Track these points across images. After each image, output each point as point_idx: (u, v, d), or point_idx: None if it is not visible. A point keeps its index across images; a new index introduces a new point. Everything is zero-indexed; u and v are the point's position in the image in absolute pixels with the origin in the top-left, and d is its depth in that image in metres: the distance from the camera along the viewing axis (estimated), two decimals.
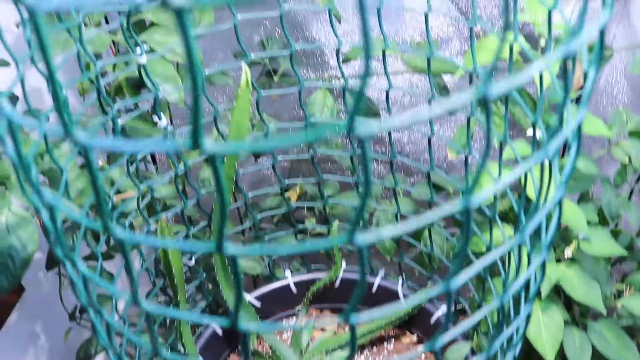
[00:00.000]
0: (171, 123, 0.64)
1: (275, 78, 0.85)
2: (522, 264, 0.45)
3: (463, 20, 1.02)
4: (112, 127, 0.57)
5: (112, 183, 0.66)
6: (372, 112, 0.82)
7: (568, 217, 0.64)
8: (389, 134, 0.73)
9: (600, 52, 0.29)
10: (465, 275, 0.28)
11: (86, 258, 0.70)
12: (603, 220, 0.72)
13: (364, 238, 0.22)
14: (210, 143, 0.20)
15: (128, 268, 0.27)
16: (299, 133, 0.21)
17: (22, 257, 0.55)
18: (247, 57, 0.66)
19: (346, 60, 0.78)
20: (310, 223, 0.87)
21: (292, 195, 0.88)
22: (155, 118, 0.61)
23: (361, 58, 0.76)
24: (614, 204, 0.69)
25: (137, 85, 0.64)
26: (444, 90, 0.79)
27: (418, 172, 1.14)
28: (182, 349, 0.75)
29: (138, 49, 0.56)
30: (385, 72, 0.67)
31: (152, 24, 0.69)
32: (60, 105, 0.20)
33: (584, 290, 0.65)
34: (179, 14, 0.17)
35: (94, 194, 0.22)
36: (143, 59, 0.56)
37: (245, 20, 0.98)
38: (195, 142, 0.20)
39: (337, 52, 0.67)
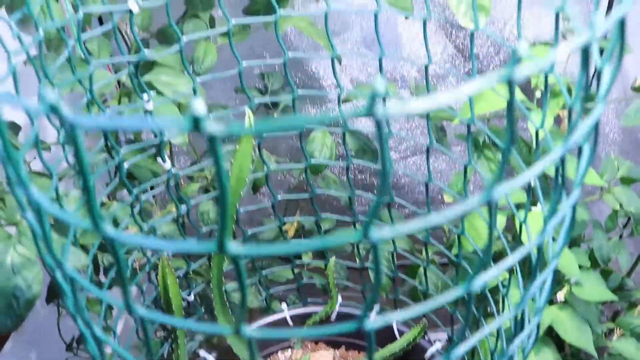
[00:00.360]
0: (172, 164, 0.65)
1: (276, 114, 0.87)
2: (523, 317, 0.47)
3: (459, 57, 1.04)
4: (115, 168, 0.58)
5: (116, 222, 0.67)
6: (371, 151, 0.84)
7: (561, 262, 0.66)
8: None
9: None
10: (465, 347, 0.30)
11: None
12: (594, 263, 0.74)
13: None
14: (234, 247, 0.21)
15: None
16: (314, 240, 0.22)
17: (27, 297, 0.56)
18: (252, 102, 0.67)
19: (346, 101, 0.80)
20: (307, 258, 0.88)
21: (290, 229, 0.89)
22: (160, 160, 0.62)
23: (360, 99, 0.78)
24: (605, 248, 0.71)
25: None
26: (440, 131, 0.81)
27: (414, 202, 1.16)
28: None
29: (145, 96, 0.57)
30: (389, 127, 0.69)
31: (157, 64, 0.71)
32: (94, 211, 0.21)
33: (576, 333, 0.66)
34: (212, 141, 0.19)
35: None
36: (150, 106, 0.58)
37: (246, 52, 1.00)
38: (221, 246, 0.21)
39: (339, 97, 0.69)
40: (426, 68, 0.61)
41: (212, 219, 0.85)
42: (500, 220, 0.66)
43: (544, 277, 0.36)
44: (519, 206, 0.68)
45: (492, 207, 0.24)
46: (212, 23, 0.81)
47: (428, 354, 0.82)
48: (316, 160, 0.75)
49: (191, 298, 0.77)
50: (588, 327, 0.67)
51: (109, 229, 0.23)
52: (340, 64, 1.03)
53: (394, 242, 0.80)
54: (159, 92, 0.67)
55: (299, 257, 0.87)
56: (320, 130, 0.81)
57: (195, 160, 0.91)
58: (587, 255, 0.71)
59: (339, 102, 0.70)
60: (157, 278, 0.68)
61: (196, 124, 0.19)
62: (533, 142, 0.65)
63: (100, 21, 0.80)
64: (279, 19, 0.76)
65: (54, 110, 0.20)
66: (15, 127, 0.71)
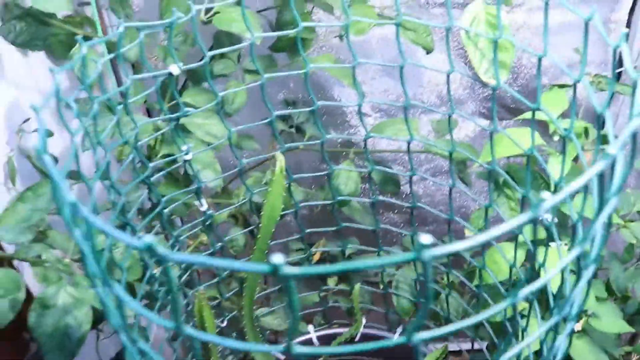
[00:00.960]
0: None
1: (301, 145, 0.90)
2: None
3: (477, 82, 1.07)
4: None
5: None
6: (393, 182, 0.87)
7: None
8: (411, 211, 0.77)
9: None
10: None
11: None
12: (610, 292, 0.76)
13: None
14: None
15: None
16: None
17: (77, 336, 0.60)
18: (274, 124, 0.69)
19: (368, 137, 0.83)
20: (332, 283, 0.92)
21: (315, 255, 0.93)
22: (197, 203, 0.66)
23: (384, 136, 0.81)
24: (622, 279, 0.74)
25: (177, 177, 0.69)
26: (462, 164, 0.84)
27: (433, 222, 1.19)
28: None
29: (184, 147, 0.61)
30: (409, 157, 0.71)
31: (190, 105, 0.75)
32: (177, 315, 0.25)
33: None
34: (286, 281, 0.22)
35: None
36: (189, 157, 0.62)
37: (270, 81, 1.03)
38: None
39: (365, 141, 0.71)
40: (449, 117, 0.63)
41: (240, 247, 0.89)
42: (520, 255, 0.69)
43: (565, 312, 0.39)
44: (536, 242, 0.71)
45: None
46: (239, 59, 0.84)
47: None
48: (342, 197, 0.78)
49: (224, 324, 0.81)
50: (605, 355, 0.70)
51: (188, 329, 0.27)
52: (359, 113, 1.07)
53: (415, 269, 0.84)
54: (190, 135, 0.71)
55: (324, 282, 0.91)
56: (345, 163, 0.84)
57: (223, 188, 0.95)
58: (604, 286, 0.73)
59: (365, 146, 0.72)
60: (193, 309, 0.72)
61: (275, 269, 0.22)
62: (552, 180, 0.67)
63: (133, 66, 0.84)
64: (306, 63, 0.80)
65: (150, 250, 0.24)
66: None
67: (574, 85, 0.51)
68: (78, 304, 0.61)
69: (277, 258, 0.24)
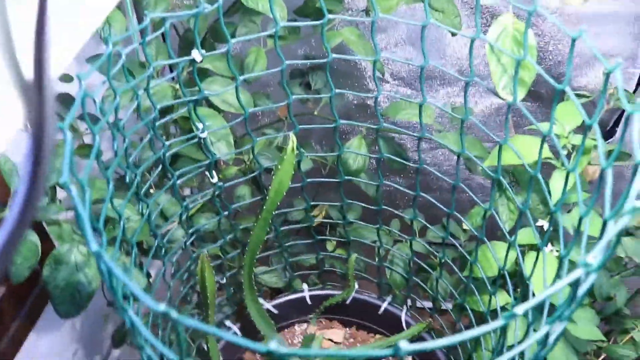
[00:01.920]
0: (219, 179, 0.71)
1: (316, 111, 0.91)
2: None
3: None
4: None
5: (163, 214, 0.74)
6: (401, 156, 0.88)
7: (557, 298, 0.72)
8: (416, 172, 0.77)
9: None
10: None
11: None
12: (592, 296, 0.80)
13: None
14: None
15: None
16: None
17: (87, 291, 0.65)
18: (290, 97, 0.70)
19: (384, 115, 0.84)
20: (330, 247, 0.95)
21: (318, 214, 0.96)
22: (208, 174, 0.68)
23: (397, 116, 0.81)
24: (606, 286, 0.77)
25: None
26: (469, 161, 0.85)
27: (437, 189, 1.21)
28: (205, 347, 0.86)
29: (200, 125, 0.63)
30: (421, 126, 0.72)
31: (210, 72, 0.75)
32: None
33: None
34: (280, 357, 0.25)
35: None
36: (204, 134, 0.63)
37: (294, 46, 1.02)
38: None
39: (376, 99, 0.70)
40: (467, 84, 0.62)
41: (247, 203, 0.92)
42: (511, 256, 0.72)
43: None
44: (531, 247, 0.74)
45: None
46: (265, 26, 0.83)
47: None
48: (350, 173, 0.80)
49: (223, 281, 0.86)
50: (575, 356, 0.75)
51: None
52: (383, 76, 1.05)
53: (411, 249, 0.87)
54: (210, 105, 0.72)
55: (323, 248, 0.95)
56: (356, 137, 0.85)
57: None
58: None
59: (375, 105, 0.72)
60: (196, 270, 0.76)
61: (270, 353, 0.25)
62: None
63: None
64: (330, 34, 0.79)
65: (165, 315, 0.27)
66: None
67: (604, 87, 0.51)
68: (89, 263, 0.65)
69: (273, 344, 0.27)
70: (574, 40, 0.51)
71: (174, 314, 0.28)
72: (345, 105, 1.12)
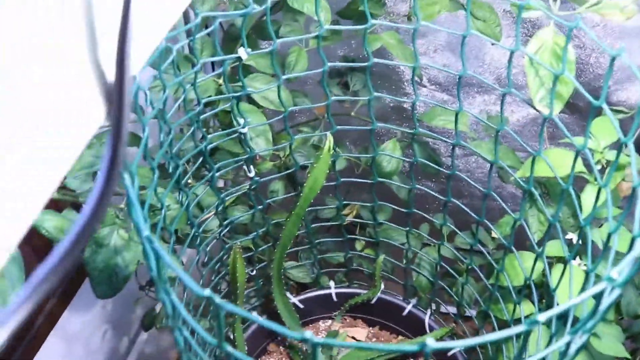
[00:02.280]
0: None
1: (353, 112, 0.93)
2: None
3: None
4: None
5: (199, 205, 0.77)
6: (434, 161, 0.89)
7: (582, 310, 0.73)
8: (448, 178, 0.78)
9: None
10: None
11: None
12: (619, 312, 0.80)
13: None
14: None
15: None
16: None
17: (124, 274, 0.68)
18: (329, 98, 0.71)
19: (420, 120, 0.85)
20: (359, 245, 0.97)
21: (349, 213, 0.97)
22: (246, 169, 0.71)
23: (433, 122, 0.82)
24: (634, 303, 0.77)
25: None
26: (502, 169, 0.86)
27: (468, 196, 1.22)
28: (232, 336, 0.89)
29: (241, 121, 0.65)
30: (456, 133, 0.73)
31: (253, 69, 0.77)
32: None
33: None
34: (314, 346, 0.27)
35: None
36: (245, 130, 0.66)
37: (334, 47, 1.04)
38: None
39: (413, 106, 0.71)
40: (504, 96, 0.63)
41: (280, 198, 0.94)
42: (538, 267, 0.72)
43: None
44: (559, 259, 0.74)
45: None
46: (307, 25, 0.85)
47: (452, 352, 0.92)
48: (383, 175, 0.82)
49: (253, 273, 0.88)
50: None
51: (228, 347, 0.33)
52: (421, 80, 1.06)
53: (439, 253, 0.88)
54: (251, 101, 0.74)
55: (352, 247, 0.96)
56: (391, 141, 0.87)
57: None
58: (613, 309, 0.77)
59: (413, 110, 0.73)
60: (228, 260, 0.79)
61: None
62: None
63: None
64: (370, 37, 0.80)
65: (210, 299, 0.29)
66: None
67: None
68: (127, 247, 0.68)
69: (308, 333, 0.29)
70: (613, 59, 0.51)
71: (217, 299, 0.31)
72: (381, 107, 1.13)
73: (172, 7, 0.29)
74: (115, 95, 0.20)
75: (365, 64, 0.67)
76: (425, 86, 1.09)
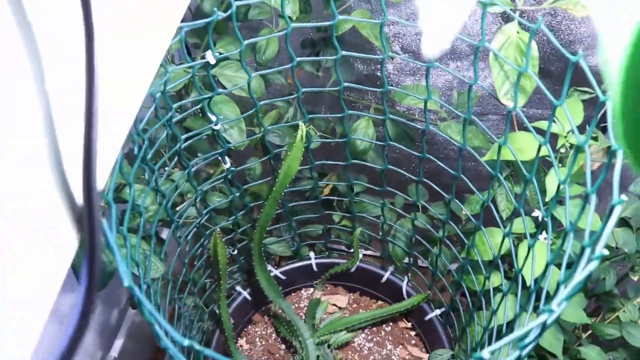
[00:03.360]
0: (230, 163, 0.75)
1: (320, 72, 0.93)
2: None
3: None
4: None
5: (176, 188, 0.78)
6: (409, 137, 0.91)
7: (550, 283, 0.77)
8: (420, 160, 0.81)
9: None
10: None
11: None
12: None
13: None
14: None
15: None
16: None
17: (109, 270, 0.70)
18: (294, 61, 0.71)
19: (392, 98, 0.86)
20: (337, 217, 1.00)
21: (325, 188, 1.00)
22: (221, 160, 0.72)
23: (404, 102, 0.84)
24: (596, 270, 0.81)
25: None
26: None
27: (443, 158, 1.24)
28: (217, 311, 0.93)
29: (214, 117, 0.66)
30: (425, 117, 0.75)
31: (225, 59, 0.77)
32: None
33: (551, 340, 0.79)
34: None
35: None
36: (218, 127, 0.67)
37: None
38: None
39: (382, 61, 0.73)
40: (470, 87, 0.65)
41: (257, 175, 0.96)
42: (506, 244, 0.76)
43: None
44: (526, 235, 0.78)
45: None
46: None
47: (428, 317, 0.97)
48: (357, 155, 0.83)
49: (235, 252, 0.91)
50: (562, 335, 0.80)
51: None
52: (392, 59, 1.06)
53: (412, 225, 0.91)
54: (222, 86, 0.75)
55: (330, 220, 0.99)
56: (364, 118, 0.88)
57: None
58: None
59: (381, 66, 0.74)
60: (209, 245, 0.81)
61: None
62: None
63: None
64: (340, 21, 0.80)
65: (190, 347, 0.31)
66: None
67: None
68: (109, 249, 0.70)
69: None
70: (573, 64, 0.53)
71: (197, 346, 0.33)
72: (355, 76, 1.13)
73: (130, 105, 0.30)
74: (86, 219, 0.22)
75: (331, 22, 0.67)
76: (398, 54, 1.09)
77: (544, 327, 0.39)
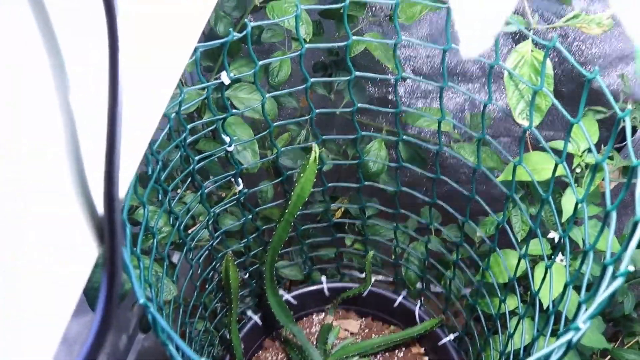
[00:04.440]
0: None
1: (333, 95, 0.94)
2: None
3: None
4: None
5: (189, 210, 0.78)
6: (421, 158, 0.91)
7: (571, 304, 0.75)
8: (433, 181, 0.80)
9: None
10: None
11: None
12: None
13: None
14: None
15: None
16: None
17: (120, 292, 0.69)
18: (308, 81, 0.72)
19: (404, 121, 0.86)
20: (349, 241, 0.99)
21: (337, 211, 0.99)
22: (234, 182, 0.72)
23: (416, 124, 0.84)
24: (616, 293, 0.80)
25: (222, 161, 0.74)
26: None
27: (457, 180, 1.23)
28: (228, 336, 0.91)
29: (227, 139, 0.66)
30: (439, 139, 0.74)
31: (238, 80, 0.78)
32: None
33: None
34: None
35: None
36: (231, 148, 0.67)
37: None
38: None
39: (396, 82, 0.73)
40: (484, 106, 0.65)
41: (269, 198, 0.95)
42: (522, 266, 0.75)
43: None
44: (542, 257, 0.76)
45: None
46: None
47: (441, 342, 0.95)
48: (370, 176, 0.83)
49: (246, 276, 0.90)
50: (579, 358, 0.78)
51: None
52: (404, 80, 1.06)
53: (427, 248, 0.90)
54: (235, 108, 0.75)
55: (342, 243, 0.98)
56: (376, 140, 0.88)
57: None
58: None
59: (395, 87, 0.74)
60: (221, 268, 0.81)
61: None
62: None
63: None
64: (353, 42, 0.81)
65: None
66: None
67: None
68: (124, 267, 0.69)
69: None
70: (588, 81, 0.52)
71: None
72: (367, 98, 1.13)
73: (151, 117, 0.30)
74: (106, 230, 0.21)
75: (344, 43, 0.67)
76: (409, 76, 1.09)
77: (569, 346, 0.38)
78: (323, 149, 0.93)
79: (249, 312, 0.97)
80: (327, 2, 0.88)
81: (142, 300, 0.34)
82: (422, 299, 0.98)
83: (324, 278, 1.01)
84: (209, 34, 0.86)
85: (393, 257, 0.95)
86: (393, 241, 0.93)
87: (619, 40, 1.00)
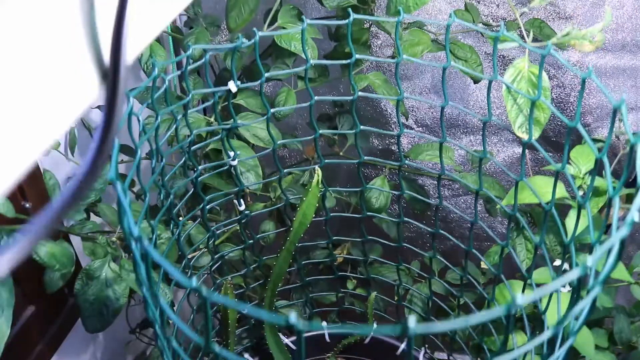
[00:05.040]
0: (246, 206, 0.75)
1: (341, 152, 0.95)
2: None
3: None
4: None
5: (190, 242, 0.78)
6: (422, 201, 0.91)
7: (578, 340, 0.72)
8: (436, 209, 0.80)
9: None
10: None
11: None
12: (613, 342, 0.80)
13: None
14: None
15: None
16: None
17: (115, 307, 0.68)
18: (317, 132, 0.73)
19: (407, 157, 0.87)
20: (351, 284, 0.97)
21: (340, 253, 0.98)
22: (237, 203, 0.72)
23: (419, 158, 0.85)
24: (626, 332, 0.77)
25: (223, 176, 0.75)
26: (489, 203, 0.88)
27: (458, 237, 1.23)
28: None
29: (232, 154, 0.67)
30: (441, 164, 0.75)
31: (242, 108, 0.80)
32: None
33: None
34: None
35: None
36: (235, 162, 0.67)
37: (322, 89, 1.07)
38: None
39: (398, 137, 0.74)
40: (484, 125, 0.65)
41: (271, 239, 0.95)
42: (527, 293, 0.73)
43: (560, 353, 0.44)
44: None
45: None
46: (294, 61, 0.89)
47: None
48: (372, 211, 0.83)
49: (245, 311, 0.88)
50: None
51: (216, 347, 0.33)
52: (407, 119, 1.10)
53: (430, 287, 0.88)
54: (240, 138, 0.76)
55: (344, 286, 0.96)
56: (379, 177, 0.88)
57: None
58: (606, 336, 0.76)
59: (398, 141, 0.75)
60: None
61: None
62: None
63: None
64: (356, 77, 0.84)
65: (196, 290, 0.30)
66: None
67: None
68: (118, 280, 0.68)
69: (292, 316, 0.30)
70: (583, 80, 0.54)
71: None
72: (369, 150, 1.16)
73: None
74: (109, 79, 0.22)
75: (351, 97, 0.70)
76: (412, 128, 1.12)
77: (577, 293, 0.36)
78: (327, 187, 0.94)
79: (246, 355, 0.94)
80: (331, 45, 0.92)
81: (136, 233, 0.33)
82: (427, 345, 0.95)
83: (324, 324, 0.98)
84: (219, 74, 0.90)
85: (396, 298, 0.93)
86: (396, 281, 0.92)
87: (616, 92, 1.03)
